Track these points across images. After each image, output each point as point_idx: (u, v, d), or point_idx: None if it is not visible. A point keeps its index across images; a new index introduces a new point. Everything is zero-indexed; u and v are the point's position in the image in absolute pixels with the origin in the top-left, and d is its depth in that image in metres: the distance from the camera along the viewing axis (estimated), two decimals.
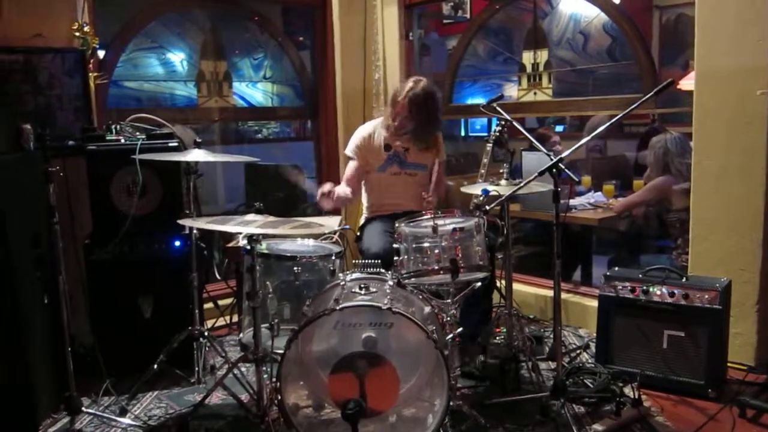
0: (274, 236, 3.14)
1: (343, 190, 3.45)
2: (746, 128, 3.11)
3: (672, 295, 2.99)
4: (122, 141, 3.24)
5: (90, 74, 3.52)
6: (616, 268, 3.38)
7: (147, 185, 3.20)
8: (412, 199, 3.58)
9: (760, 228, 3.11)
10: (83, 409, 2.75)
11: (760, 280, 3.14)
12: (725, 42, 3.14)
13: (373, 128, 3.65)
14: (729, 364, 3.11)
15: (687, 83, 4.16)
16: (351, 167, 3.62)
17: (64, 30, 3.45)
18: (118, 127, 3.32)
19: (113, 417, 2.84)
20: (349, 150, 3.65)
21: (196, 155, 2.93)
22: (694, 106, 3.30)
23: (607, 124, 2.70)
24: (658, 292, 3.03)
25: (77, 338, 3.22)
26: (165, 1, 4.43)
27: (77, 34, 3.46)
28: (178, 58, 4.80)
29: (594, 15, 4.49)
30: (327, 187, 3.27)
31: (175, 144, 3.26)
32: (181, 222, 2.72)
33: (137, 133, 3.31)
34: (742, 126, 3.12)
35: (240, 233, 2.94)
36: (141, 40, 4.48)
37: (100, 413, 2.85)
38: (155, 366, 3.02)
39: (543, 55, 4.39)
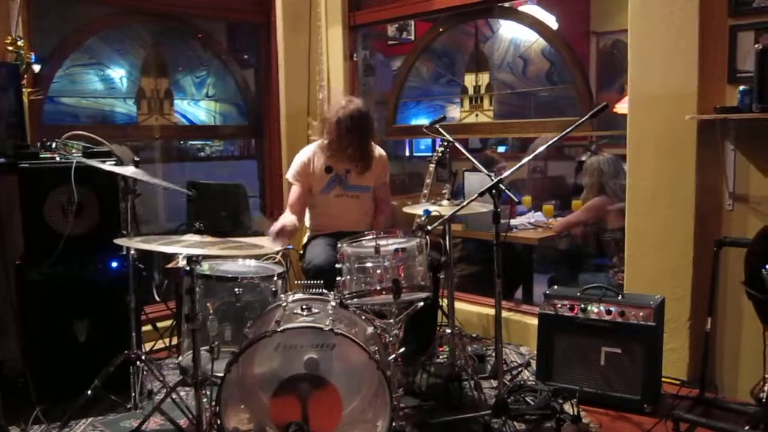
0: (215, 257, 3.09)
1: (290, 220, 3.34)
2: (677, 151, 3.23)
3: (609, 312, 3.07)
4: (57, 159, 3.15)
5: (24, 89, 3.42)
6: (556, 287, 3.45)
7: (83, 204, 3.12)
8: (355, 221, 3.55)
9: (690, 247, 3.23)
10: None
11: (692, 298, 3.25)
12: (657, 68, 3.26)
13: (312, 152, 3.60)
14: (663, 379, 3.20)
15: (622, 107, 4.31)
16: (294, 193, 3.57)
17: None
18: (53, 144, 3.22)
19: None
20: (290, 176, 3.61)
21: (132, 173, 2.86)
22: (628, 129, 3.41)
23: (544, 146, 2.77)
24: (596, 310, 3.10)
25: (6, 363, 3.09)
26: (106, 17, 4.34)
27: (11, 48, 3.36)
28: (117, 74, 4.70)
29: (533, 40, 4.60)
30: (277, 226, 3.21)
31: (113, 162, 3.18)
32: (117, 242, 2.64)
33: (73, 151, 3.22)
34: (673, 149, 3.24)
35: (180, 254, 2.88)
36: (79, 55, 4.37)
37: None
38: (89, 391, 2.91)
39: (484, 78, 4.47)
